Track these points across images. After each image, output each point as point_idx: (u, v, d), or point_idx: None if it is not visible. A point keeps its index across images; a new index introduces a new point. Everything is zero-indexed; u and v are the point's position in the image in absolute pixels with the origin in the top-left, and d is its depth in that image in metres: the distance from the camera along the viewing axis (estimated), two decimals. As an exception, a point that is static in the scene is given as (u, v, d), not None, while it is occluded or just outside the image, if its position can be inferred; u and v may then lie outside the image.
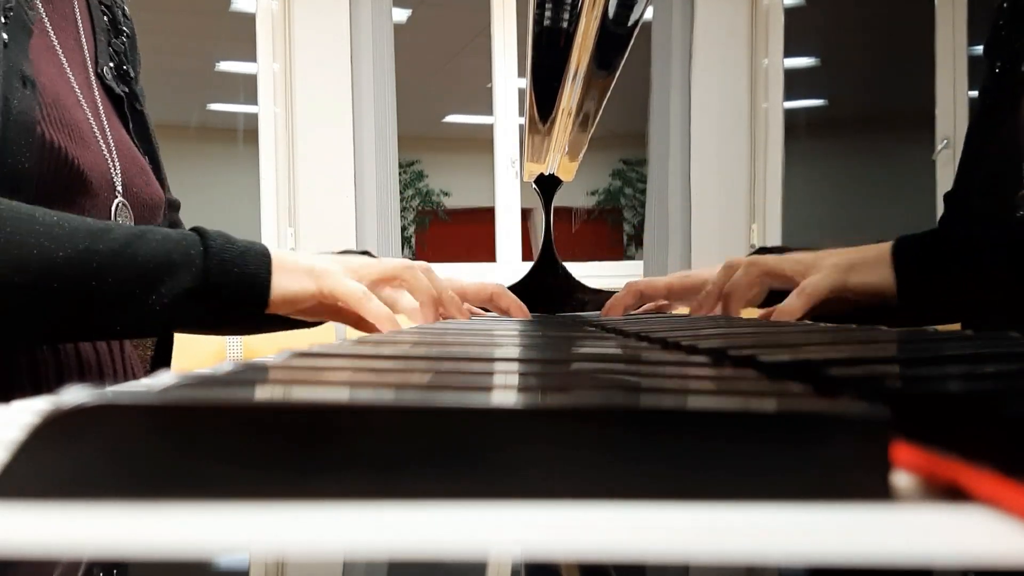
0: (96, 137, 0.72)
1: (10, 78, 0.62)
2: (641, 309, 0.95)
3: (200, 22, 4.46)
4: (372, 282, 0.69)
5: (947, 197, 0.97)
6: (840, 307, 0.73)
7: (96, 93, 0.76)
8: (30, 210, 0.58)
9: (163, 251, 0.61)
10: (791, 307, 0.71)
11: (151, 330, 0.64)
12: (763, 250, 0.95)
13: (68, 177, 0.66)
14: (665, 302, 0.94)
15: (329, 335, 2.79)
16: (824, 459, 0.16)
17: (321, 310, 0.72)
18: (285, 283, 0.64)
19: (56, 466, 0.16)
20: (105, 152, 0.72)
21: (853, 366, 0.26)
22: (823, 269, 0.71)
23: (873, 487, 0.16)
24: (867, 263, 0.70)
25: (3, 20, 0.63)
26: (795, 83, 3.71)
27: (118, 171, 0.73)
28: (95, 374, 0.72)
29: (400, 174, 3.44)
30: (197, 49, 4.77)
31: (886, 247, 0.71)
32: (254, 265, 0.63)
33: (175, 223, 0.91)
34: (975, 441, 0.16)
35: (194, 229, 0.64)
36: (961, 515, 0.15)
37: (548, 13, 0.58)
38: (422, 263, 0.73)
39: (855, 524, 0.15)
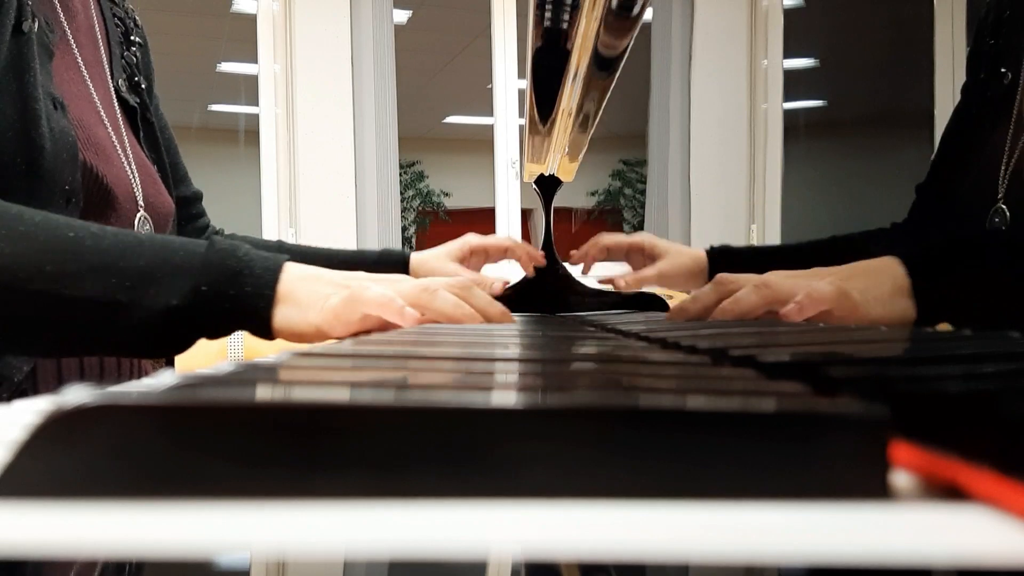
0: (118, 152, 0.72)
1: (45, 101, 0.62)
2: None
3: (201, 23, 4.47)
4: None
5: (919, 188, 0.98)
6: None
7: (115, 106, 0.76)
8: (18, 210, 0.53)
9: (157, 260, 0.55)
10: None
11: (146, 346, 0.56)
12: (717, 251, 1.01)
13: (99, 195, 0.67)
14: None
15: (329, 336, 2.79)
16: (823, 458, 0.16)
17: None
18: (288, 315, 0.57)
19: (58, 466, 0.16)
20: (126, 166, 0.73)
21: (853, 366, 0.26)
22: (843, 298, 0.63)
23: (872, 486, 0.16)
24: (883, 298, 0.64)
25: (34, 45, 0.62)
26: (794, 84, 3.71)
27: (138, 184, 0.74)
28: (110, 375, 0.72)
29: (401, 175, 3.44)
30: (198, 50, 4.77)
31: (901, 279, 0.65)
32: (254, 289, 0.56)
33: (199, 214, 0.93)
34: (974, 441, 0.16)
35: (209, 236, 0.59)
36: (960, 514, 0.15)
37: (548, 13, 0.58)
38: (451, 280, 0.63)
39: (854, 523, 0.15)
